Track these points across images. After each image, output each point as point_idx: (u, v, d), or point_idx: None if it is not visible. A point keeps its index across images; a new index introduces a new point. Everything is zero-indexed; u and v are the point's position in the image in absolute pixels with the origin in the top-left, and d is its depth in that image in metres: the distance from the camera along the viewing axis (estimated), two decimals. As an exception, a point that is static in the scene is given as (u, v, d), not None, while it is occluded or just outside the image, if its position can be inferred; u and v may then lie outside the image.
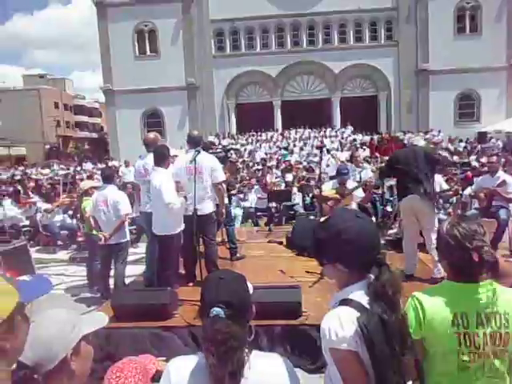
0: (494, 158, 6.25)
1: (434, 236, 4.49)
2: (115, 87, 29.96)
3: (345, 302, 1.38)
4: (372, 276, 1.38)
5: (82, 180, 14.77)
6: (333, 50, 29.56)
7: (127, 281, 5.74)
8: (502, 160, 11.73)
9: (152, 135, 5.44)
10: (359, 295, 1.37)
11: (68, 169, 23.87)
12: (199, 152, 4.70)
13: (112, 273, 5.52)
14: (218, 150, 5.46)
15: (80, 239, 8.95)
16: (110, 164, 24.86)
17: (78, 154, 44.94)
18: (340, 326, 1.31)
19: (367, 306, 1.33)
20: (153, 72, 28.71)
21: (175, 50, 29.55)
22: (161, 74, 28.78)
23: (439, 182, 5.92)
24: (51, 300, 1.79)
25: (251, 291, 1.45)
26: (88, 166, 25.15)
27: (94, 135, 57.03)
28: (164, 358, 1.66)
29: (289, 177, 11.23)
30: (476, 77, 27.69)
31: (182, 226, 4.67)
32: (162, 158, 4.62)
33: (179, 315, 4.06)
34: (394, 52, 29.32)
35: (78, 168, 23.95)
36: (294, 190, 10.56)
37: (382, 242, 6.43)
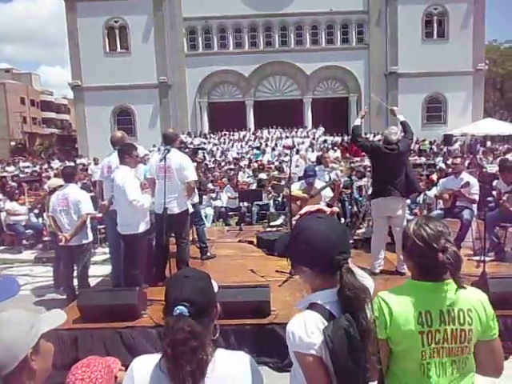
0: (459, 160, 6.46)
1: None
2: (84, 83, 29.31)
3: (313, 306, 1.37)
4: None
5: (48, 178, 14.41)
6: (305, 52, 29.84)
7: (95, 281, 5.64)
8: (467, 162, 12.12)
9: (119, 133, 5.38)
10: (328, 301, 1.36)
11: (34, 166, 23.20)
12: (169, 150, 4.67)
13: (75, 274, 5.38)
14: (186, 150, 5.42)
15: (46, 239, 8.73)
16: (78, 162, 24.34)
17: (45, 151, 43.72)
18: (305, 332, 1.30)
19: (334, 314, 1.33)
20: (123, 69, 28.24)
21: (146, 47, 29.15)
22: (132, 71, 28.34)
23: None
24: (15, 302, 1.74)
25: (216, 290, 1.45)
26: (55, 163, 24.49)
27: (62, 132, 55.57)
28: (123, 369, 1.64)
29: (262, 176, 11.26)
30: (443, 80, 28.50)
31: (148, 225, 4.62)
32: (128, 155, 4.57)
33: (148, 315, 4.02)
34: (365, 55, 29.84)
35: (45, 166, 23.29)
36: (269, 189, 10.61)
37: (350, 241, 6.54)
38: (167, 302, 1.35)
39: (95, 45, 28.94)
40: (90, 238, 5.37)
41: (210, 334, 1.36)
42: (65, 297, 5.44)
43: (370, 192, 6.68)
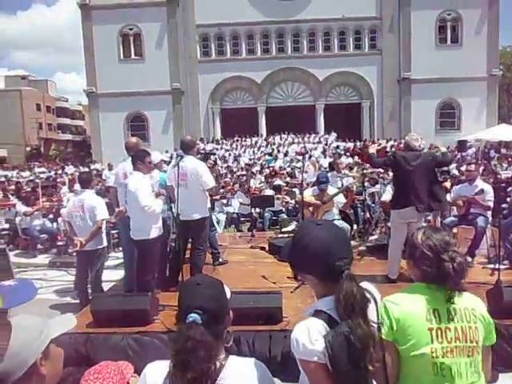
0: (473, 167, 6.38)
1: None
2: (99, 90, 29.72)
3: (317, 313, 1.38)
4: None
5: (63, 183, 14.60)
6: (317, 58, 29.87)
7: (107, 286, 5.69)
8: (481, 168, 11.98)
9: (134, 140, 5.43)
10: (332, 307, 1.36)
11: (49, 172, 23.53)
12: (182, 157, 4.70)
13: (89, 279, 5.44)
14: (198, 156, 5.46)
15: (60, 243, 8.84)
16: (92, 167, 24.62)
17: (60, 156, 44.34)
18: (308, 339, 1.31)
19: (338, 320, 1.32)
20: (137, 75, 28.58)
21: (160, 54, 29.47)
22: (145, 78, 28.66)
23: None
24: (30, 306, 1.77)
25: (229, 296, 1.45)
26: (70, 169, 24.81)
27: (77, 138, 56.32)
28: (136, 376, 1.65)
29: (279, 182, 11.25)
30: (457, 86, 28.29)
31: (160, 231, 4.66)
32: (141, 162, 4.63)
33: (160, 320, 4.04)
34: (378, 60, 29.76)
35: (60, 171, 23.61)
36: (284, 195, 10.60)
37: (363, 248, 6.51)
38: (180, 309, 1.37)
39: (110, 52, 29.36)
40: (105, 243, 5.43)
41: (223, 341, 1.36)
42: (78, 301, 5.50)
43: (385, 198, 6.63)
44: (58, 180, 16.76)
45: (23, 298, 1.14)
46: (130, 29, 29.74)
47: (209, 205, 6.38)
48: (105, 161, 26.00)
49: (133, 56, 30.05)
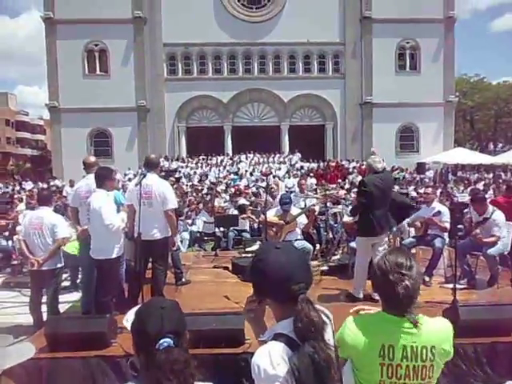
0: (430, 190, 6.63)
1: None
2: (62, 105, 29.05)
3: (277, 336, 1.36)
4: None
5: (20, 200, 14.08)
6: (283, 80, 30.43)
7: (63, 307, 5.48)
8: (438, 191, 12.42)
9: (93, 158, 5.40)
10: (291, 330, 1.35)
11: (6, 187, 22.65)
12: (145, 175, 4.65)
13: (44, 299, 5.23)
14: (162, 174, 5.44)
15: (15, 262, 8.48)
16: (51, 183, 23.90)
17: (19, 171, 42.82)
18: (270, 364, 1.29)
19: (299, 342, 1.32)
20: (102, 92, 28.17)
21: (126, 71, 29.23)
22: (110, 95, 28.28)
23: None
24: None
25: None
26: (28, 185, 23.97)
27: (37, 153, 54.64)
28: None
29: (241, 201, 11.26)
30: (415, 111, 29.48)
31: (122, 250, 4.57)
32: (104, 179, 4.57)
33: (118, 344, 3.91)
34: (341, 84, 30.64)
35: (18, 187, 22.76)
36: (249, 214, 10.58)
37: (326, 268, 6.58)
38: (148, 336, 1.31)
39: (74, 67, 28.86)
40: (62, 262, 5.26)
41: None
42: (32, 323, 5.26)
43: (347, 218, 6.75)
44: (15, 196, 16.13)
45: None
46: (96, 45, 29.41)
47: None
48: (65, 177, 25.30)
49: (98, 72, 29.65)
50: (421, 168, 25.12)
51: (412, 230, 6.62)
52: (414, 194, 12.68)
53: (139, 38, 29.36)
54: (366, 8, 29.67)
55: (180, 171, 24.64)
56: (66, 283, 7.13)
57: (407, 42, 30.16)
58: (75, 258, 5.97)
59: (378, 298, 4.67)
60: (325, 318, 1.40)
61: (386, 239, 5.17)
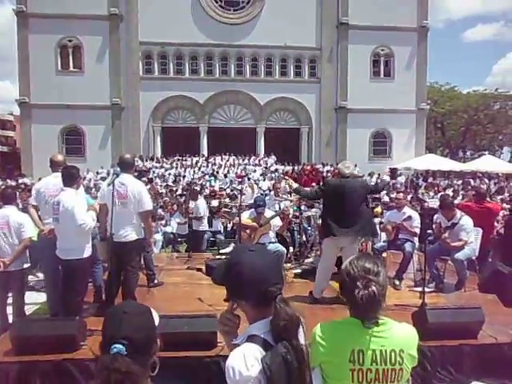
0: (401, 195, 6.77)
1: None
2: (33, 100, 28.30)
3: (251, 338, 1.38)
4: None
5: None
6: (259, 82, 30.54)
7: (29, 309, 5.34)
8: (409, 196, 12.67)
9: (61, 156, 5.28)
10: (265, 331, 1.37)
11: (-28, 184, 21.87)
12: (118, 175, 4.57)
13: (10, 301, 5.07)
14: (135, 174, 5.34)
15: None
16: (20, 181, 23.24)
17: (-15, 168, 41.43)
18: (244, 365, 1.31)
19: (272, 343, 1.34)
20: (75, 88, 27.59)
21: (101, 68, 28.74)
22: (84, 92, 27.73)
23: None
24: None
25: (157, 323, 1.41)
26: (-5, 182, 23.22)
27: (5, 149, 53.03)
28: None
29: (214, 203, 11.24)
30: (388, 117, 30.11)
31: (90, 250, 4.49)
32: (72, 178, 4.50)
33: (87, 347, 3.83)
34: (317, 89, 30.96)
35: (-16, 184, 22.01)
36: (222, 215, 10.58)
37: (298, 270, 6.63)
38: (104, 338, 1.31)
39: (47, 62, 28.16)
40: (29, 262, 5.12)
41: (148, 371, 1.32)
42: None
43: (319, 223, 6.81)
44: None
45: None
46: (70, 40, 28.79)
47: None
48: (35, 175, 24.64)
49: (71, 68, 29.03)
50: (393, 173, 25.60)
51: (383, 234, 6.74)
52: (386, 198, 12.90)
53: (115, 35, 28.92)
54: (343, 14, 30.11)
55: (154, 171, 24.39)
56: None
57: (382, 49, 30.75)
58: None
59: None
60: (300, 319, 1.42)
61: (357, 246, 5.21)
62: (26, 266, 5.02)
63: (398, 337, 1.62)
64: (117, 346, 1.24)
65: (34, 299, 5.92)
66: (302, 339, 1.44)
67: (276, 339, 1.34)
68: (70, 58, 28.94)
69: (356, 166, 27.56)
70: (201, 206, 9.36)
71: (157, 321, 1.41)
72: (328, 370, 1.61)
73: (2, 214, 4.94)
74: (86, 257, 4.42)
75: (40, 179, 18.34)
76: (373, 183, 21.06)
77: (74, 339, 3.78)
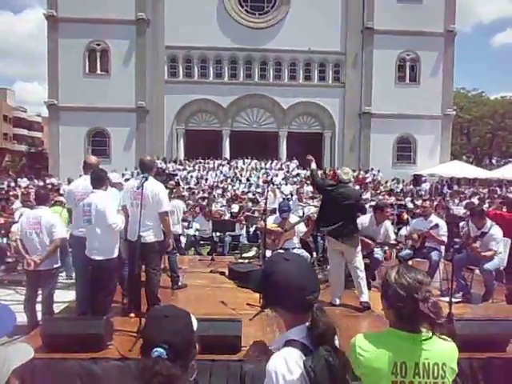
0: (428, 203, 6.67)
1: (359, 271, 5.14)
2: (61, 103, 29.00)
3: (290, 343, 1.39)
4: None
5: (16, 197, 14.01)
6: (283, 86, 30.56)
7: (59, 307, 5.45)
8: (435, 203, 12.47)
9: (94, 159, 5.35)
10: (303, 336, 1.39)
11: (2, 183, 22.50)
12: (147, 178, 4.62)
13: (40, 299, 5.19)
14: (159, 177, 5.39)
15: (9, 260, 8.43)
16: (47, 181, 23.78)
17: (14, 167, 42.60)
18: (287, 369, 1.32)
19: (311, 348, 1.35)
20: (102, 91, 28.17)
21: (127, 72, 29.26)
22: (110, 94, 28.29)
23: (387, 229, 6.22)
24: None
25: (195, 328, 1.43)
26: (24, 181, 23.83)
27: (33, 150, 54.43)
28: None
29: (235, 207, 11.29)
30: (413, 123, 29.70)
31: (118, 251, 4.56)
32: (100, 180, 4.59)
33: (114, 347, 3.89)
34: (341, 93, 30.80)
35: (13, 183, 22.62)
36: (241, 219, 10.62)
37: (321, 276, 6.58)
38: (145, 342, 1.33)
39: (75, 65, 28.85)
40: (59, 262, 5.23)
41: (188, 375, 1.34)
42: (26, 322, 5.22)
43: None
44: (11, 193, 16.04)
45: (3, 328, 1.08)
46: (98, 44, 29.43)
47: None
48: (61, 175, 25.23)
49: (98, 71, 29.66)
50: (417, 180, 25.25)
51: (409, 242, 6.65)
52: (410, 205, 12.72)
53: (141, 39, 29.42)
54: (368, 18, 29.91)
55: (177, 174, 24.63)
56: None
57: (408, 54, 30.40)
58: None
59: (362, 299, 4.90)
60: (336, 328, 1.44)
61: (359, 254, 5.25)
62: (55, 265, 5.13)
63: (440, 350, 1.60)
64: (158, 349, 1.26)
65: (63, 297, 6.03)
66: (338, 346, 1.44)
67: (315, 345, 1.36)
68: (98, 61, 29.58)
69: (379, 171, 27.40)
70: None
71: (195, 325, 1.42)
72: (369, 381, 1.60)
73: (34, 215, 5.06)
74: (114, 257, 4.50)
75: (69, 180, 18.82)
76: (398, 190, 20.81)
77: (101, 338, 3.84)
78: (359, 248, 5.25)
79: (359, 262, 5.19)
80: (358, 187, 16.34)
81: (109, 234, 4.38)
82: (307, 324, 1.40)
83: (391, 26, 29.08)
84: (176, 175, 21.59)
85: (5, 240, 8.99)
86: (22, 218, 5.32)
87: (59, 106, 29.07)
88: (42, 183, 22.63)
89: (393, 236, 6.36)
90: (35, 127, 58.63)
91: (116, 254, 4.50)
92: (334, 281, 5.28)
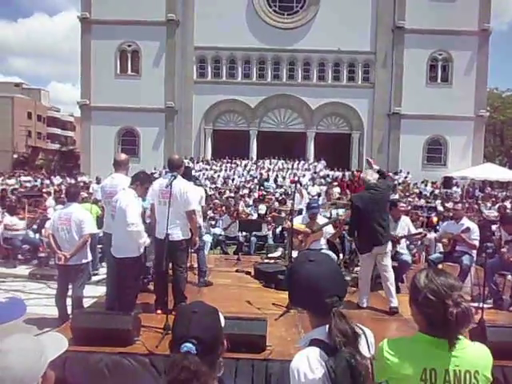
0: (459, 206, 6.51)
1: (389, 273, 5.06)
2: (93, 103, 29.74)
3: (314, 342, 1.39)
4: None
5: (49, 194, 14.42)
6: (311, 87, 30.41)
7: (87, 302, 5.58)
8: (466, 206, 12.17)
9: (124, 156, 5.43)
10: (327, 337, 1.38)
11: (35, 181, 23.22)
12: (175, 177, 4.67)
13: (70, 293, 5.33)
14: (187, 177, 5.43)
15: (42, 255, 8.69)
16: (79, 179, 24.40)
17: (47, 165, 43.89)
18: (309, 368, 1.32)
19: (335, 348, 1.34)
20: (132, 91, 28.71)
21: (156, 72, 29.72)
22: (140, 94, 28.81)
23: (407, 224, 6.13)
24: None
25: (223, 324, 1.44)
26: (57, 179, 24.53)
27: (65, 148, 55.99)
28: None
29: (262, 208, 11.29)
30: (445, 124, 28.99)
31: (141, 250, 4.61)
32: (140, 184, 4.61)
33: (141, 342, 3.95)
34: (370, 93, 30.41)
35: (47, 181, 23.31)
36: (268, 219, 10.62)
37: (348, 278, 6.51)
38: (174, 337, 1.34)
39: (107, 66, 29.52)
40: (89, 257, 5.36)
41: (216, 371, 1.35)
42: (57, 316, 5.37)
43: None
44: (44, 190, 16.53)
45: (14, 314, 1.11)
46: (129, 45, 30.02)
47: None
48: (93, 173, 25.81)
49: (129, 72, 30.24)
50: (447, 182, 24.67)
51: (439, 245, 6.51)
52: (440, 208, 12.44)
53: (171, 40, 29.83)
54: (399, 18, 29.42)
55: (204, 173, 24.85)
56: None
57: (440, 54, 29.74)
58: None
59: (393, 305, 4.79)
60: (359, 331, 1.42)
61: (390, 252, 5.22)
62: (84, 260, 5.26)
63: (472, 357, 1.54)
64: (187, 344, 1.27)
65: (93, 292, 6.17)
66: (364, 351, 1.42)
67: (335, 348, 1.35)
68: (129, 62, 30.17)
69: (409, 173, 26.89)
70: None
71: (223, 322, 1.43)
72: None
73: (65, 211, 5.21)
74: (136, 256, 4.51)
75: (97, 178, 19.25)
76: (427, 192, 20.40)
77: (129, 334, 3.91)
78: (390, 246, 5.20)
79: (389, 260, 5.14)
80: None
81: (128, 233, 4.37)
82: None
83: (423, 24, 28.50)
84: (197, 179, 21.75)
85: (37, 236, 9.26)
86: (54, 214, 5.50)
87: (91, 105, 29.81)
88: (73, 181, 23.23)
89: (413, 229, 6.25)
90: (68, 126, 60.27)
91: (138, 253, 4.51)
92: (364, 282, 5.23)
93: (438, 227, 8.00)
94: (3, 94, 48.72)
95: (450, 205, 12.48)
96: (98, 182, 17.99)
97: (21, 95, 50.98)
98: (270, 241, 9.92)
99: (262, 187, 20.76)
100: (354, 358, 1.30)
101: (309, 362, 1.33)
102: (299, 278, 1.45)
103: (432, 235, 8.14)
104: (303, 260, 1.51)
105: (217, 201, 13.49)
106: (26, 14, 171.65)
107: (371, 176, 5.13)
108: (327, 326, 1.40)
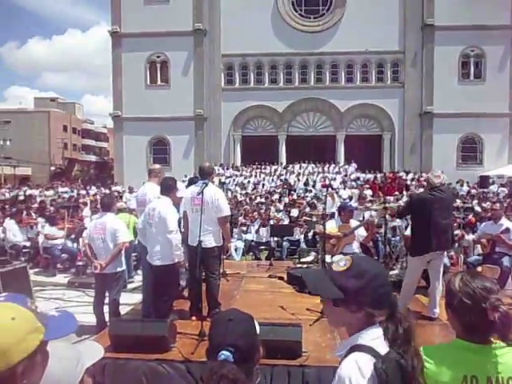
0: (498, 205, 6.30)
1: (439, 281, 4.78)
2: (124, 114, 30.48)
3: (357, 348, 1.35)
4: (381, 319, 1.37)
5: (85, 204, 14.83)
6: (339, 89, 30.16)
7: (123, 309, 5.69)
8: (505, 205, 11.75)
9: (156, 166, 5.57)
10: (370, 340, 1.34)
11: (72, 191, 23.94)
12: (207, 184, 4.72)
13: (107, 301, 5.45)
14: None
15: (80, 263, 8.93)
16: (113, 189, 24.98)
17: (83, 176, 45.23)
18: (360, 373, 1.29)
19: (380, 352, 1.31)
20: (162, 101, 29.26)
21: (185, 81, 30.20)
22: (170, 104, 29.32)
23: None
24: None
25: (258, 332, 1.44)
26: (92, 190, 25.22)
27: (100, 159, 57.61)
28: None
29: (294, 212, 11.24)
30: (479, 121, 28.14)
31: (182, 257, 4.66)
32: (168, 188, 4.74)
33: (177, 349, 3.99)
34: (400, 93, 29.90)
35: (83, 191, 24.00)
36: (301, 223, 10.57)
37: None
38: (211, 345, 1.35)
39: (137, 77, 30.23)
40: (124, 266, 5.47)
41: (253, 379, 1.35)
42: (95, 323, 5.50)
43: (408, 232, 6.54)
44: (80, 200, 17.02)
45: (64, 330, 1.13)
46: (158, 56, 30.65)
47: None
48: (126, 183, 26.41)
49: (159, 82, 30.86)
50: (483, 182, 23.89)
51: (478, 246, 6.31)
52: (478, 208, 12.06)
53: (199, 49, 30.28)
54: (428, 15, 28.85)
55: (234, 179, 24.99)
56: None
57: (472, 50, 28.96)
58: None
59: (435, 316, 4.55)
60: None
61: (444, 258, 4.97)
62: (119, 269, 5.38)
63: None
64: (224, 352, 1.27)
65: (129, 299, 6.29)
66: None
67: (387, 347, 1.32)
68: (158, 72, 30.79)
69: (442, 172, 26.11)
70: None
71: (258, 329, 1.43)
72: None
73: (100, 221, 5.35)
74: (173, 263, 4.56)
75: (129, 188, 19.65)
76: (463, 192, 19.83)
77: (165, 340, 3.95)
78: (445, 253, 5.04)
79: (441, 268, 4.89)
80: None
81: (168, 240, 4.47)
82: (376, 327, 1.36)
83: (453, 21, 27.80)
84: (224, 183, 21.84)
85: (75, 245, 9.53)
86: (90, 223, 5.65)
87: (123, 116, 30.57)
88: (107, 191, 23.82)
89: None
90: (101, 138, 61.97)
91: (174, 261, 4.56)
92: (409, 288, 4.94)
93: (476, 228, 7.74)
94: (40, 108, 50.66)
95: (486, 205, 12.09)
96: (131, 191, 18.41)
97: (56, 109, 52.84)
98: (303, 245, 9.86)
99: (293, 192, 20.66)
100: (403, 359, 1.28)
101: (359, 369, 1.29)
102: (382, 278, 1.41)
103: (470, 237, 7.89)
104: (377, 262, 1.55)
105: (247, 206, 13.52)
106: (61, 31, 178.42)
107: (438, 178, 4.88)
108: (371, 329, 1.36)
